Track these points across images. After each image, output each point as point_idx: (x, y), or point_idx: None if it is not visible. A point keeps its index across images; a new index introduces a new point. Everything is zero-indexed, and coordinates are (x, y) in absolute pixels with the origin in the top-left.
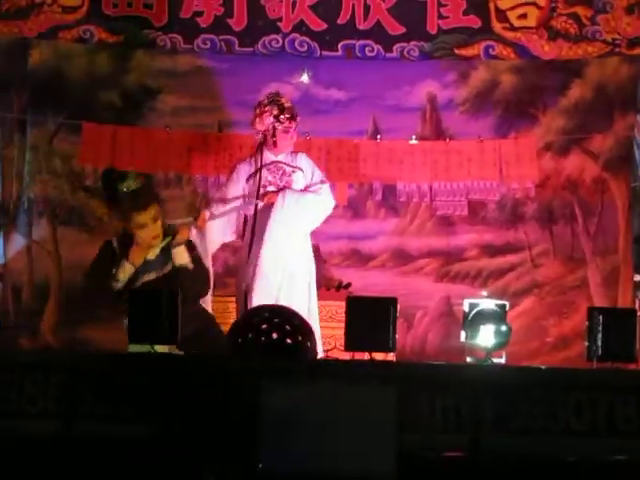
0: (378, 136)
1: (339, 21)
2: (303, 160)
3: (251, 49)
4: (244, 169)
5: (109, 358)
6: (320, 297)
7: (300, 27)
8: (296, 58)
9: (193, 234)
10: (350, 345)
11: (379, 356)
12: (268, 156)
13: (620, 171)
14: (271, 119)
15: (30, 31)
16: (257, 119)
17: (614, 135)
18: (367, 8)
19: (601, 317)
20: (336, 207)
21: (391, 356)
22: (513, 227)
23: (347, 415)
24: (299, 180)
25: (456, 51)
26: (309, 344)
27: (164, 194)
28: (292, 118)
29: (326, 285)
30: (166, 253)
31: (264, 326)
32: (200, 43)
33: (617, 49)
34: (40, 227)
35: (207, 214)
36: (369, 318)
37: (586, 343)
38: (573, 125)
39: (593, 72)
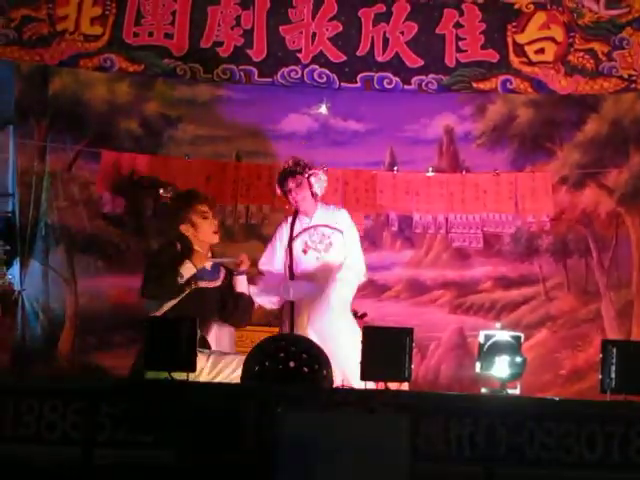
0: (395, 168)
1: (358, 53)
2: (344, 218)
3: (270, 79)
4: (282, 236)
5: (127, 385)
6: None
7: (319, 58)
8: (315, 89)
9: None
10: (365, 374)
11: (393, 386)
12: (304, 221)
13: (635, 206)
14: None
15: (52, 59)
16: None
17: (629, 170)
18: (386, 40)
19: (615, 350)
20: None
21: (405, 386)
22: (528, 260)
23: (361, 444)
24: (337, 243)
25: (474, 84)
26: (325, 373)
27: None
28: (295, 173)
29: None
30: (216, 268)
31: (281, 354)
32: (220, 73)
33: (633, 85)
34: (57, 254)
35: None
36: (385, 348)
37: (599, 376)
38: (589, 159)
39: (609, 107)
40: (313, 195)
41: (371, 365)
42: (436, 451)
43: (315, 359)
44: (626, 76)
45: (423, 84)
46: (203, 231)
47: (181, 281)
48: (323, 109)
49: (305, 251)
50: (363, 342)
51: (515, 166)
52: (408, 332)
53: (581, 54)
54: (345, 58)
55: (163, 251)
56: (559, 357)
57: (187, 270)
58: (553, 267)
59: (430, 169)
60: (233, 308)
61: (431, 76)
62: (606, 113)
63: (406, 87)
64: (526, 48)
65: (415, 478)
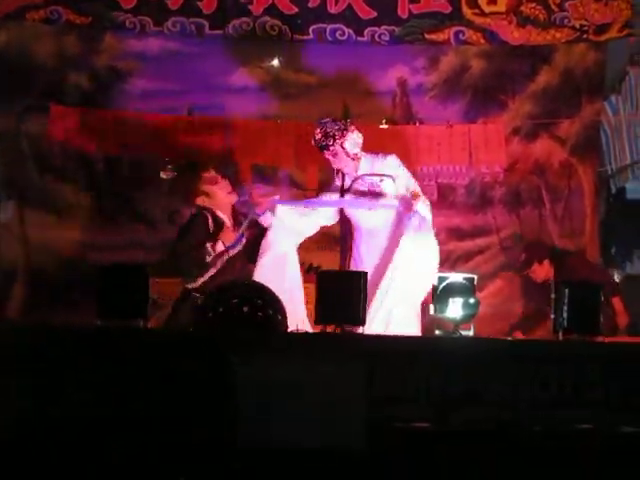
0: (348, 120)
1: (310, 5)
2: (392, 164)
3: (221, 32)
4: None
5: (76, 333)
6: None
7: (271, 10)
8: (267, 42)
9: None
10: (320, 318)
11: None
12: (352, 176)
13: (587, 156)
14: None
15: None
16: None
17: (581, 120)
18: None
19: (567, 290)
20: (307, 191)
21: (360, 330)
22: (481, 211)
23: (316, 388)
24: (389, 189)
25: (426, 36)
26: (279, 317)
27: (134, 177)
28: (328, 146)
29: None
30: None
31: (235, 300)
32: (170, 26)
33: (585, 35)
34: (7, 210)
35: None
36: (339, 292)
37: (552, 315)
38: (541, 110)
39: (561, 58)
40: (352, 157)
41: (325, 309)
42: (391, 394)
43: (269, 304)
44: (578, 26)
45: (376, 36)
46: (218, 197)
47: (209, 259)
48: (275, 62)
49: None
50: (317, 286)
51: (468, 118)
52: (362, 276)
53: (533, 5)
54: (297, 10)
55: (192, 227)
56: (512, 306)
57: (217, 248)
58: (507, 217)
59: (383, 121)
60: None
61: (384, 27)
62: (558, 64)
63: (359, 39)
64: None
65: (370, 421)
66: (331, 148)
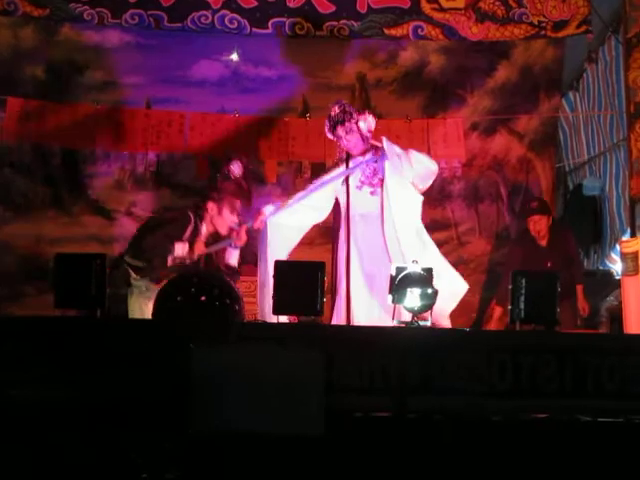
0: (307, 115)
1: None
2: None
3: (180, 25)
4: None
5: (34, 321)
6: (247, 273)
7: (230, 4)
8: (226, 35)
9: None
10: (278, 308)
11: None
12: (357, 161)
13: (545, 151)
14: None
15: None
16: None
17: (539, 116)
18: None
19: (524, 281)
20: (266, 184)
21: (318, 321)
22: (440, 205)
23: (275, 376)
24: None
25: (385, 31)
26: (237, 307)
27: (91, 170)
28: (344, 121)
29: (253, 261)
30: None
31: (193, 289)
32: (128, 18)
33: (543, 32)
34: None
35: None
36: (297, 282)
37: (509, 306)
38: (499, 106)
39: (520, 54)
40: (363, 138)
41: (283, 299)
42: (349, 383)
43: (227, 294)
44: (536, 23)
45: (335, 30)
46: (222, 223)
47: (171, 261)
48: (234, 55)
49: (359, 187)
50: (275, 277)
51: (427, 113)
52: (320, 266)
53: (491, 1)
54: (256, 3)
55: (173, 222)
56: (471, 300)
57: (181, 250)
58: (465, 212)
59: None
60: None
61: (343, 22)
62: (517, 59)
63: (318, 33)
64: None
65: (328, 410)
66: (347, 124)
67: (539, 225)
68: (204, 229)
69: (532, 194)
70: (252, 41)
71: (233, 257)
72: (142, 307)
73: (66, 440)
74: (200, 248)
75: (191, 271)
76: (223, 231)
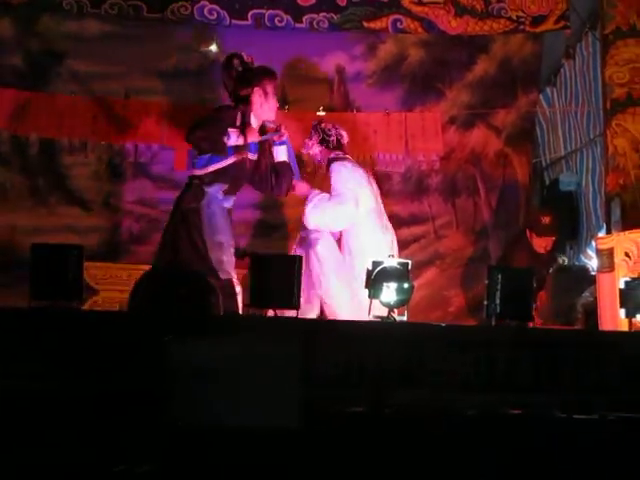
0: (286, 107)
1: None
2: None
3: (159, 15)
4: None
5: (11, 313)
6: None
7: None
8: (205, 26)
9: None
10: (254, 302)
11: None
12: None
13: (522, 146)
14: None
15: None
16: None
17: (517, 111)
18: None
19: (500, 276)
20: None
21: (294, 314)
22: (417, 199)
23: (251, 370)
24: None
25: (365, 24)
26: (214, 300)
27: (68, 160)
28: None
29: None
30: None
31: (171, 282)
32: (107, 8)
33: (521, 26)
34: None
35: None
36: (273, 276)
37: (485, 302)
38: (477, 100)
39: (498, 48)
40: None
41: (260, 292)
42: (326, 377)
43: (202, 286)
44: (515, 17)
45: (314, 22)
46: (269, 105)
47: (227, 142)
48: (213, 46)
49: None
50: (251, 270)
51: (405, 106)
52: (296, 260)
53: None
54: None
55: (222, 109)
56: (447, 295)
57: (234, 138)
58: (442, 206)
59: (321, 108)
60: (276, 178)
61: (322, 14)
62: (495, 54)
63: (297, 25)
64: None
65: (305, 404)
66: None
67: (546, 242)
68: (253, 119)
69: (509, 189)
70: (231, 32)
71: (282, 154)
72: None
73: (40, 433)
74: (253, 135)
75: (168, 263)
76: (272, 116)
